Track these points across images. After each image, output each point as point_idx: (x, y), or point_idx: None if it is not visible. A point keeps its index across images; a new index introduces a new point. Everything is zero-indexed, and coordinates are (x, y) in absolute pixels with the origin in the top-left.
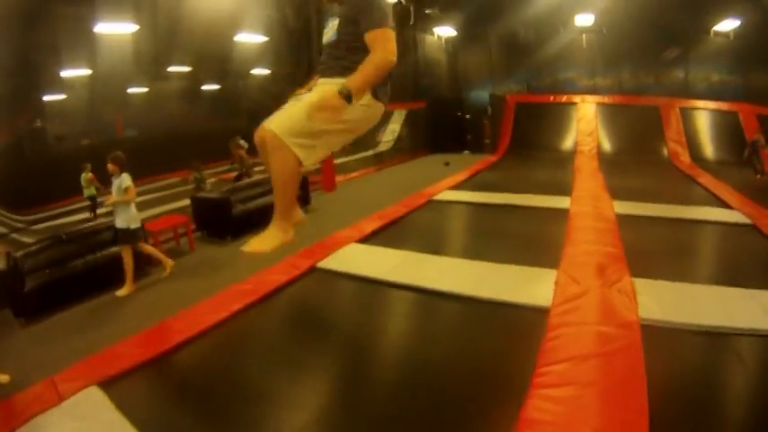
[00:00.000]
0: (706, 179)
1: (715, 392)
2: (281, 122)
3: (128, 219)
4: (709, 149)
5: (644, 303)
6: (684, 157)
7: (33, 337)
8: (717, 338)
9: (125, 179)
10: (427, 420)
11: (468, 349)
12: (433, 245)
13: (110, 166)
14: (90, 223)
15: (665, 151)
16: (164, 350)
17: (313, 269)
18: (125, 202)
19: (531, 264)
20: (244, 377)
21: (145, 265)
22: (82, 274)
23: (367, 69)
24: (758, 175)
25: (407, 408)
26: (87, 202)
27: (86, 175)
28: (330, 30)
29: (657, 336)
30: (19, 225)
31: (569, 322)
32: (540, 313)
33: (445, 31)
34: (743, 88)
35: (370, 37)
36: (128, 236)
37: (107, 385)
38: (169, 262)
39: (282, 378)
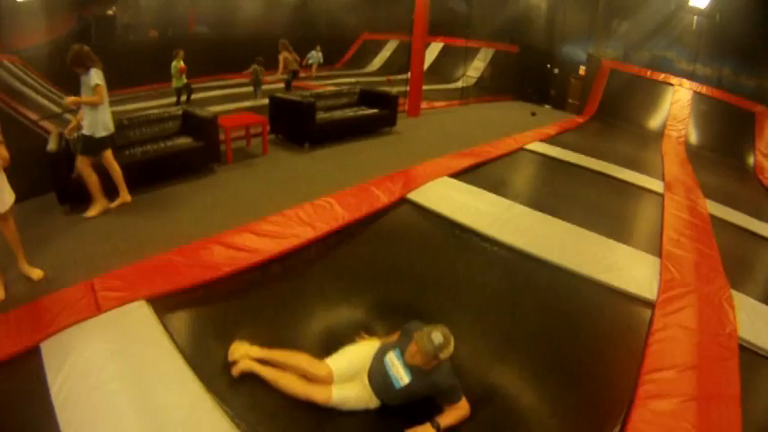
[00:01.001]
0: None
1: None
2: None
3: (94, 124)
4: None
5: (742, 321)
6: None
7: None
8: None
9: (93, 76)
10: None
11: (567, 330)
12: (529, 197)
13: (73, 65)
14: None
15: (752, 161)
16: (222, 272)
17: (403, 200)
18: (92, 104)
19: (631, 244)
20: (303, 321)
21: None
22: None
23: (454, 417)
24: None
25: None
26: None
27: (178, 64)
28: (394, 368)
29: (752, 360)
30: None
31: (674, 324)
32: (644, 306)
33: None
34: None
35: (451, 407)
36: (90, 145)
37: (154, 299)
38: (126, 198)
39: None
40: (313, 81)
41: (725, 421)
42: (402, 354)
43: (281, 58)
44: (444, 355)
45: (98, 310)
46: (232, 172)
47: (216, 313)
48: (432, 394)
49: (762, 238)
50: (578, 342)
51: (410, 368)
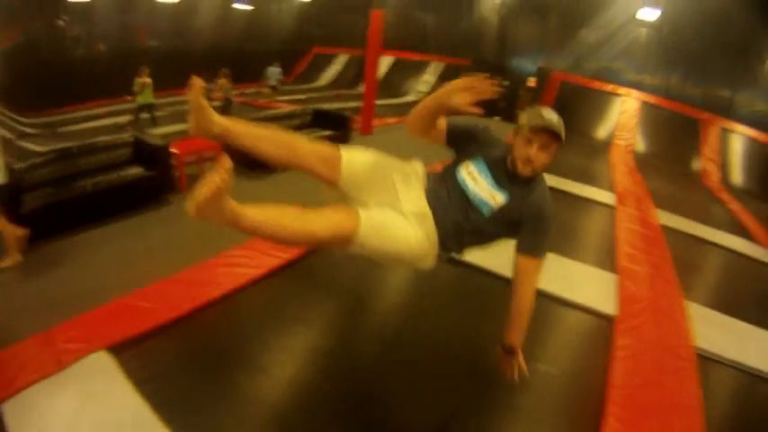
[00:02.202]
0: (735, 207)
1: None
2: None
3: None
4: (739, 176)
5: (697, 331)
6: (715, 178)
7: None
8: (759, 382)
9: None
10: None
11: (533, 347)
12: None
13: None
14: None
15: (698, 167)
16: (183, 310)
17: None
18: None
19: (588, 262)
20: (272, 341)
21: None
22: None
23: (525, 320)
24: None
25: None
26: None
27: (142, 80)
28: (479, 188)
29: (709, 367)
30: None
31: (634, 339)
32: (605, 323)
33: None
34: None
35: (529, 263)
36: None
37: (116, 348)
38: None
39: (317, 348)
40: (280, 97)
41: (689, 430)
42: (488, 163)
43: (219, 83)
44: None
45: (59, 365)
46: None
47: (183, 355)
48: (519, 227)
49: (711, 243)
50: (546, 360)
51: (504, 181)
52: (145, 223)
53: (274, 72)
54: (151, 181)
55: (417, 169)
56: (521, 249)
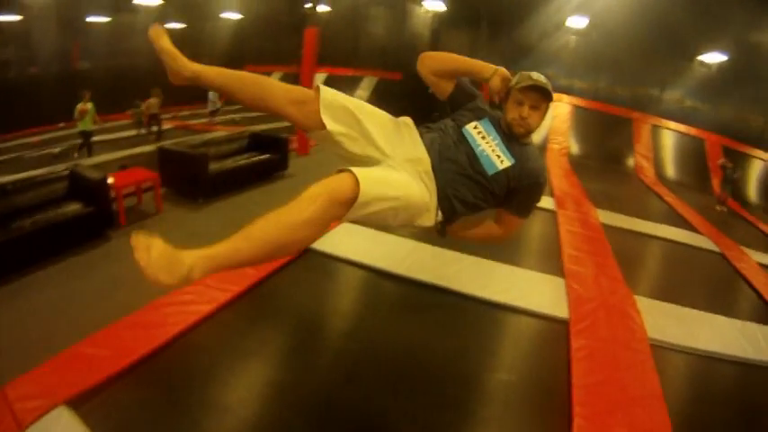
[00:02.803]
0: (672, 199)
1: (721, 412)
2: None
3: None
4: (672, 169)
5: (648, 322)
6: (650, 173)
7: None
8: (713, 363)
9: None
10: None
11: (492, 359)
12: (429, 236)
13: None
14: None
15: (632, 163)
16: (138, 355)
17: (307, 251)
18: None
19: (534, 268)
20: (232, 379)
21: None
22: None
23: (482, 235)
24: (718, 207)
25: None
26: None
27: (81, 106)
28: (487, 146)
29: (664, 356)
30: None
31: (589, 339)
32: (559, 326)
33: (434, 5)
34: (711, 119)
35: (511, 220)
36: None
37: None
38: None
39: (280, 382)
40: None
41: (654, 419)
42: (494, 125)
43: (149, 102)
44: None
45: (19, 426)
46: (128, 237)
47: (144, 402)
48: (518, 187)
49: (652, 237)
50: (506, 369)
51: (510, 144)
52: (87, 263)
53: (213, 96)
54: (90, 217)
55: (407, 121)
56: (510, 209)
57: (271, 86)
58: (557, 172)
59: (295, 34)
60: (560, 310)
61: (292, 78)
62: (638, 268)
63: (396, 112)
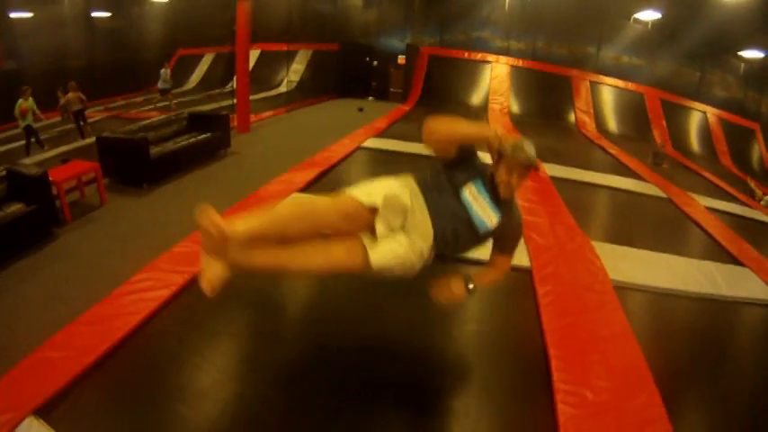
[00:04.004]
0: (615, 150)
1: (688, 343)
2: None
3: None
4: (613, 123)
5: (607, 265)
6: (591, 127)
7: None
8: (674, 299)
9: None
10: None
11: (464, 312)
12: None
13: None
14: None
15: (573, 119)
16: (102, 351)
17: None
18: None
19: None
20: (202, 362)
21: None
22: None
23: (489, 282)
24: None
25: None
26: None
27: (23, 103)
28: (479, 208)
29: (626, 296)
30: None
31: (553, 285)
32: (524, 275)
33: None
34: (649, 74)
35: (504, 260)
36: None
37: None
38: None
39: (249, 358)
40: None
41: (627, 355)
42: (485, 184)
43: (67, 98)
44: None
45: None
46: (75, 232)
47: (115, 399)
48: (499, 239)
49: (600, 186)
50: (478, 321)
51: (497, 202)
52: (35, 264)
53: (164, 74)
54: (33, 216)
55: (415, 191)
56: (500, 251)
57: (320, 214)
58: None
59: (226, 12)
60: (522, 259)
61: (227, 57)
62: (591, 216)
63: (334, 82)
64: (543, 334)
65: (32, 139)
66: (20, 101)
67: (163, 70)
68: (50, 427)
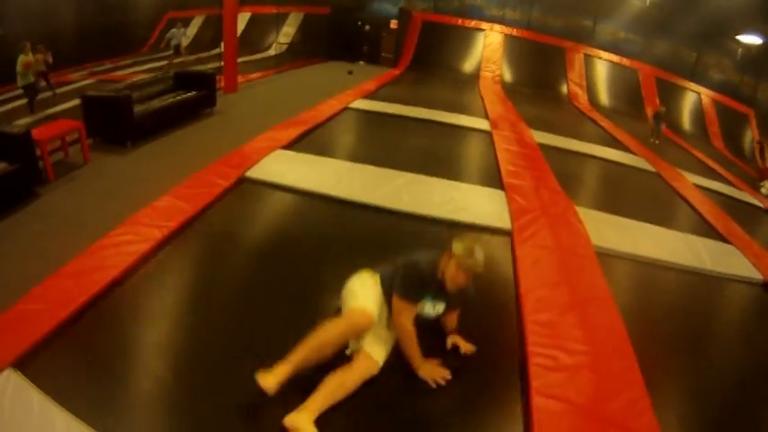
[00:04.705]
0: (606, 124)
1: (668, 314)
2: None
3: None
4: (605, 97)
5: (590, 231)
6: (583, 100)
7: None
8: (657, 269)
9: None
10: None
11: None
12: (366, 155)
13: None
14: None
15: (566, 90)
16: (80, 303)
17: (241, 180)
18: None
19: (474, 182)
20: (188, 324)
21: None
22: None
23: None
24: (651, 139)
25: None
26: None
27: (26, 58)
28: (432, 309)
29: (608, 263)
30: None
31: (533, 247)
32: (503, 236)
33: None
34: (646, 52)
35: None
36: None
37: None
38: None
39: (227, 308)
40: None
41: (606, 319)
42: (433, 292)
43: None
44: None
45: None
46: (57, 191)
47: (93, 352)
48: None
49: (589, 156)
50: None
51: (440, 297)
52: (17, 222)
53: (177, 34)
54: (16, 175)
55: (378, 291)
56: (451, 309)
57: (340, 339)
58: (490, 97)
59: None
60: (503, 221)
61: (216, 20)
62: (577, 184)
63: (325, 45)
64: (520, 297)
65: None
66: (20, 56)
67: (175, 30)
68: (29, 380)
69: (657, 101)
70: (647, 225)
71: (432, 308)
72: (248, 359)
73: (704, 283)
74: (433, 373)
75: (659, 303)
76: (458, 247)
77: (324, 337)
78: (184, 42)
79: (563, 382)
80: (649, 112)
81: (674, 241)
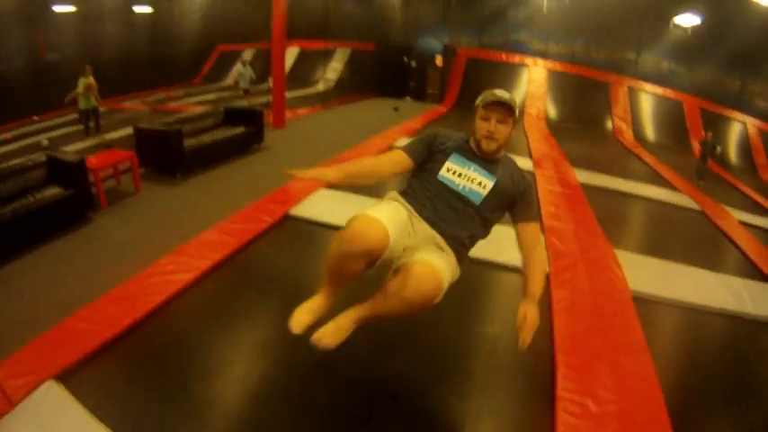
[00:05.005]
0: (651, 159)
1: (705, 362)
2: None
3: None
4: (650, 131)
5: (629, 275)
6: (628, 135)
7: None
8: (696, 314)
9: None
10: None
11: (473, 311)
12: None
13: None
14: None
15: (610, 126)
16: (125, 325)
17: (285, 217)
18: None
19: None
20: (226, 351)
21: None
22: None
23: (542, 275)
24: (697, 180)
25: (417, 381)
26: None
27: (87, 81)
28: (466, 180)
29: (645, 307)
30: None
31: (570, 291)
32: None
33: None
34: (689, 82)
35: (533, 227)
36: None
37: (63, 375)
38: None
39: (265, 342)
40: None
41: (638, 368)
42: (464, 152)
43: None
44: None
45: (10, 403)
46: (109, 217)
47: (132, 371)
48: (509, 201)
49: (630, 195)
50: (489, 323)
51: (487, 166)
52: (69, 244)
53: (245, 73)
54: (70, 200)
55: (399, 199)
56: (522, 219)
57: (381, 166)
58: (535, 135)
59: (264, 9)
60: None
61: (264, 53)
62: (618, 225)
63: (372, 81)
64: (553, 340)
65: (91, 123)
66: (81, 79)
67: (242, 68)
68: (68, 392)
69: (703, 131)
70: (688, 267)
71: (461, 167)
72: (281, 389)
73: (744, 328)
74: None
75: (696, 350)
76: (478, 98)
77: (331, 250)
78: (243, 84)
79: (589, 431)
80: (696, 144)
81: (713, 283)
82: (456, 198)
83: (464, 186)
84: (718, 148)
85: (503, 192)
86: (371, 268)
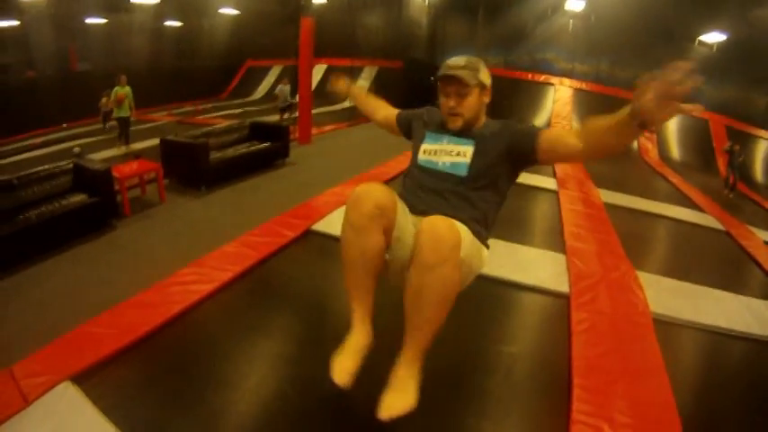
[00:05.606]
0: (676, 179)
1: (726, 389)
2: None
3: None
4: (676, 150)
5: (651, 297)
6: (653, 154)
7: None
8: (718, 338)
9: None
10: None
11: (490, 330)
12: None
13: None
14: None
15: (636, 145)
16: (143, 332)
17: (307, 233)
18: None
19: (535, 245)
20: (233, 353)
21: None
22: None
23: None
24: (726, 191)
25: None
26: None
27: (122, 90)
28: (444, 154)
29: (667, 330)
30: None
31: (590, 312)
32: (560, 299)
33: None
34: (715, 100)
35: (552, 131)
36: None
37: (79, 377)
38: None
39: (281, 355)
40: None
41: (656, 393)
42: (437, 128)
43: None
44: (484, 74)
45: (25, 401)
46: (132, 226)
47: (146, 377)
48: (505, 149)
49: (656, 215)
50: (508, 342)
51: (461, 135)
52: (92, 251)
53: (284, 91)
54: (95, 207)
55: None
56: (534, 139)
57: (377, 110)
58: None
59: (291, 26)
60: (561, 284)
61: (291, 70)
62: (641, 246)
63: (398, 98)
64: (571, 362)
65: (123, 131)
66: (116, 88)
67: (280, 86)
68: (83, 393)
69: (728, 141)
70: (711, 289)
71: (435, 144)
72: (296, 405)
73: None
74: None
75: (717, 376)
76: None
77: (342, 235)
78: (280, 103)
79: None
80: (721, 160)
81: (737, 306)
82: (439, 179)
83: (444, 162)
84: (742, 157)
85: (491, 147)
86: (388, 251)
